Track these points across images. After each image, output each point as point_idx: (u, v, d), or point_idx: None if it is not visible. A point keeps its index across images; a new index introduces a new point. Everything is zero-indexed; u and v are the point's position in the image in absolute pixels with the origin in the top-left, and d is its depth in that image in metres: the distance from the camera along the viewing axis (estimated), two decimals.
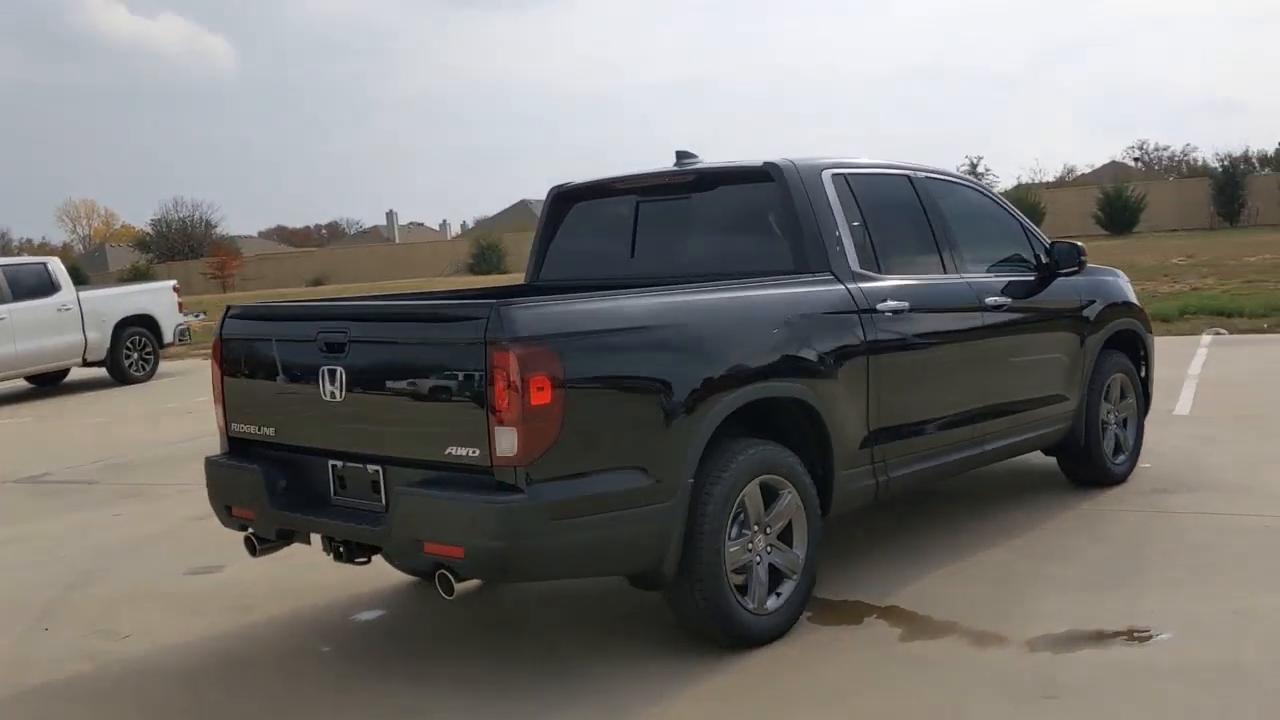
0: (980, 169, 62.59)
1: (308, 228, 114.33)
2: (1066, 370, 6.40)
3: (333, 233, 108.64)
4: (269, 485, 4.66)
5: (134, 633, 5.33)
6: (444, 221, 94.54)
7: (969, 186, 6.40)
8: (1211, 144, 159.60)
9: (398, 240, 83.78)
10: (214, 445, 5.15)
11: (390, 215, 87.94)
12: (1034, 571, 5.40)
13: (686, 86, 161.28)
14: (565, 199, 6.13)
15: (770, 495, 4.65)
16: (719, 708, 4.17)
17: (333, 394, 4.40)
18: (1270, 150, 58.00)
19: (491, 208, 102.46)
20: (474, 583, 4.85)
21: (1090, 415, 6.58)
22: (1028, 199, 51.99)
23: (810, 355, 4.83)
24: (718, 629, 4.50)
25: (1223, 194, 53.43)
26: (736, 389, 4.50)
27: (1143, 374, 7.16)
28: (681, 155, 5.76)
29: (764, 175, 5.28)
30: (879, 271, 5.30)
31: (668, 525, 4.27)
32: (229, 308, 5.08)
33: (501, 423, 3.92)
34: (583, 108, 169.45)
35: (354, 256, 70.95)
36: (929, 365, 5.47)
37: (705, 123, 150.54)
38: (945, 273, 5.76)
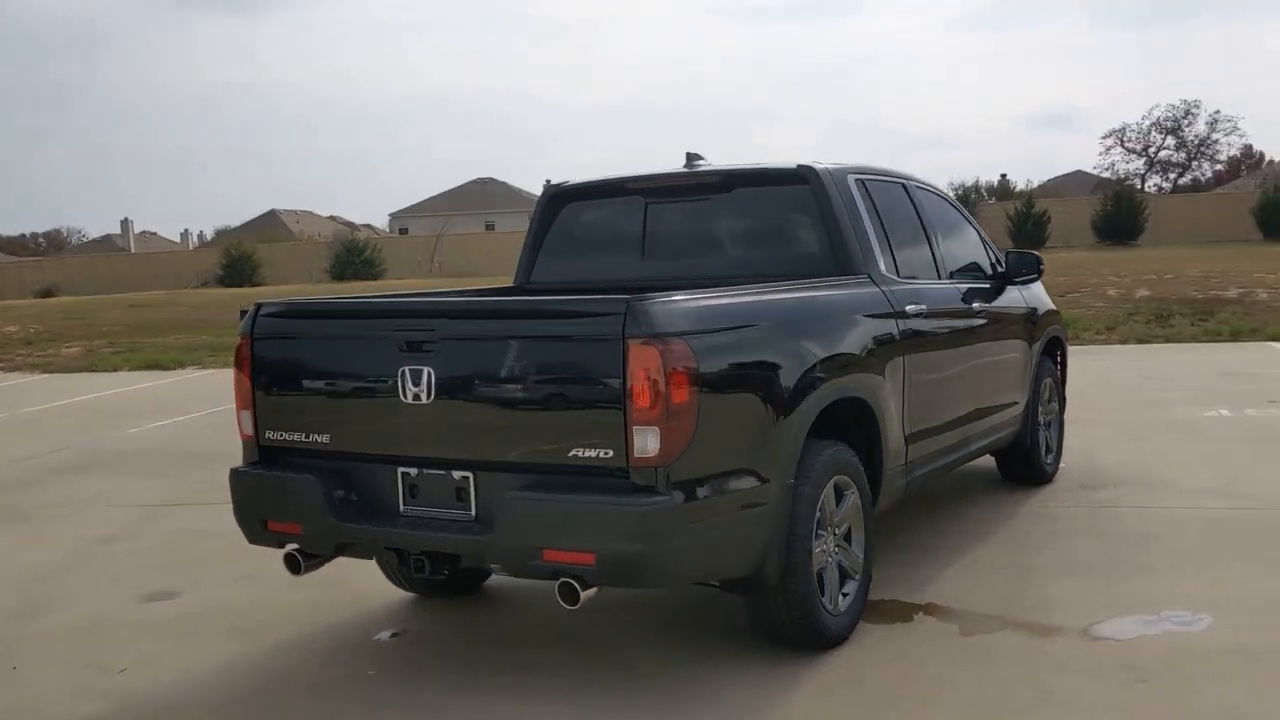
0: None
1: (23, 236, 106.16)
2: (1021, 374, 6.74)
3: (54, 241, 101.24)
4: (328, 496, 4.33)
5: (129, 665, 4.82)
6: (185, 231, 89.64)
7: (938, 194, 6.66)
8: (935, 176, 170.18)
9: (133, 250, 78.87)
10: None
11: (125, 224, 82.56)
12: (1032, 564, 5.66)
13: (431, 100, 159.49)
14: (562, 199, 5.98)
15: (839, 496, 4.68)
16: (827, 706, 4.16)
17: (416, 396, 4.13)
18: (995, 180, 62.66)
19: (234, 218, 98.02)
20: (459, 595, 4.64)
21: (1033, 417, 6.95)
22: None
23: (868, 356, 4.91)
24: (802, 631, 4.49)
25: None
26: (824, 388, 4.52)
27: (1062, 377, 7.63)
28: (691, 157, 5.74)
29: (797, 178, 5.33)
30: (898, 275, 5.43)
31: (776, 527, 4.24)
32: (259, 305, 4.68)
33: (641, 422, 3.79)
34: (334, 116, 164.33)
35: (87, 266, 66.28)
36: (942, 367, 5.65)
37: (448, 137, 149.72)
38: (938, 278, 5.97)
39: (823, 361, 4.54)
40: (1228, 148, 77.29)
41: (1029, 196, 52.43)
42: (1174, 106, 72.87)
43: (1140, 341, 15.45)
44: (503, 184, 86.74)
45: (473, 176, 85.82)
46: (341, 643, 5.03)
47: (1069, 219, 49.46)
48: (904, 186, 5.98)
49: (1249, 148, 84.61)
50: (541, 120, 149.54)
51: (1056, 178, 75.74)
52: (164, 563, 6.38)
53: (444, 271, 59.93)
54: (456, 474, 4.17)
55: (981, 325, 6.20)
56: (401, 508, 4.30)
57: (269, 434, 4.58)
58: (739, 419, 4.14)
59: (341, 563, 4.61)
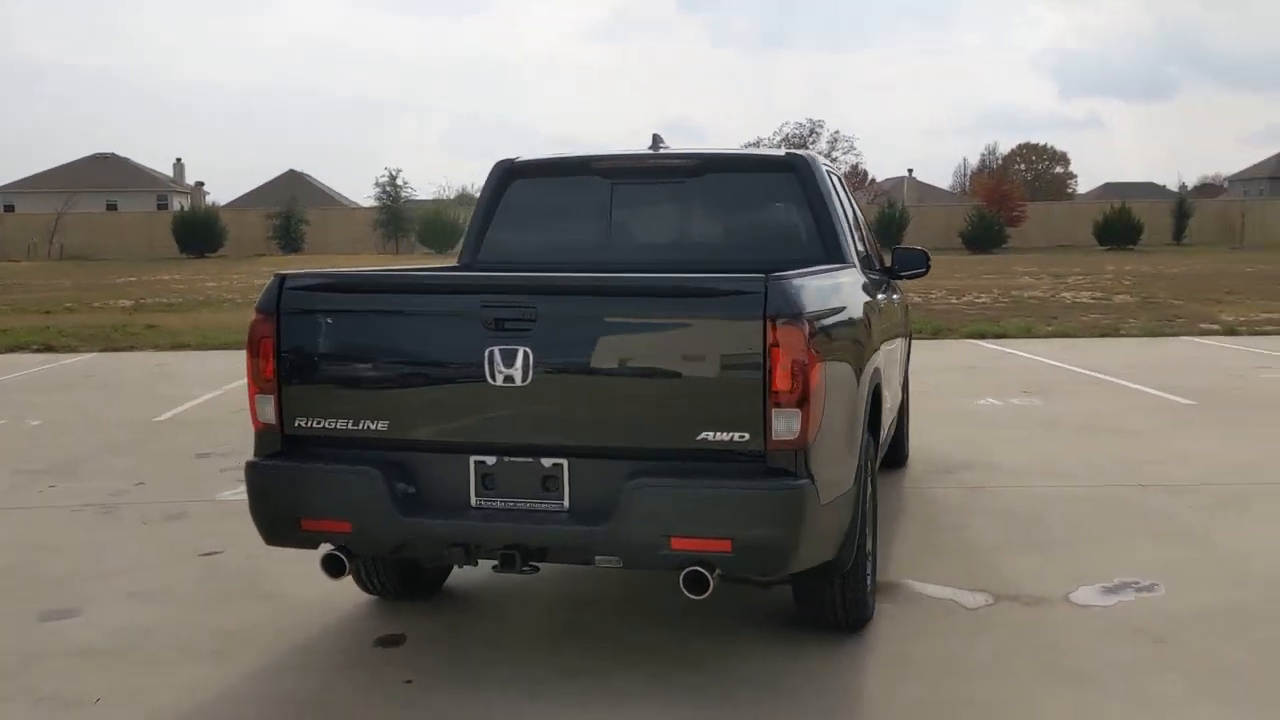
0: (399, 180, 64.10)
1: None
2: (905, 363, 7.09)
3: None
4: (391, 490, 3.90)
5: (101, 694, 4.12)
6: None
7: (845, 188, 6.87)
8: None
9: None
10: None
11: None
12: (969, 543, 5.98)
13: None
14: (514, 175, 5.64)
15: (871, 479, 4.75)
16: (900, 679, 4.21)
17: (508, 379, 3.80)
18: None
19: None
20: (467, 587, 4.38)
21: (907, 404, 7.34)
22: (446, 214, 54.78)
23: (880, 344, 5.01)
24: (852, 611, 4.51)
25: None
26: (872, 374, 4.57)
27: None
28: (657, 139, 5.63)
29: (786, 165, 5.35)
30: (856, 263, 5.56)
31: (855, 510, 4.25)
32: (283, 278, 4.12)
33: (782, 404, 3.68)
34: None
35: None
36: (891, 356, 5.84)
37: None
38: (868, 268, 6.16)
39: (871, 349, 4.61)
40: (841, 166, 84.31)
41: None
42: (801, 125, 78.54)
43: None
44: (126, 160, 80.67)
45: (91, 152, 79.12)
46: (344, 660, 4.53)
47: None
48: (838, 177, 6.14)
49: (855, 167, 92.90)
50: (166, 96, 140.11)
51: None
52: (24, 581, 5.49)
53: (65, 254, 54.76)
54: (547, 462, 3.88)
55: (898, 317, 6.48)
56: (473, 500, 3.94)
57: (299, 422, 4.05)
58: (842, 401, 4.11)
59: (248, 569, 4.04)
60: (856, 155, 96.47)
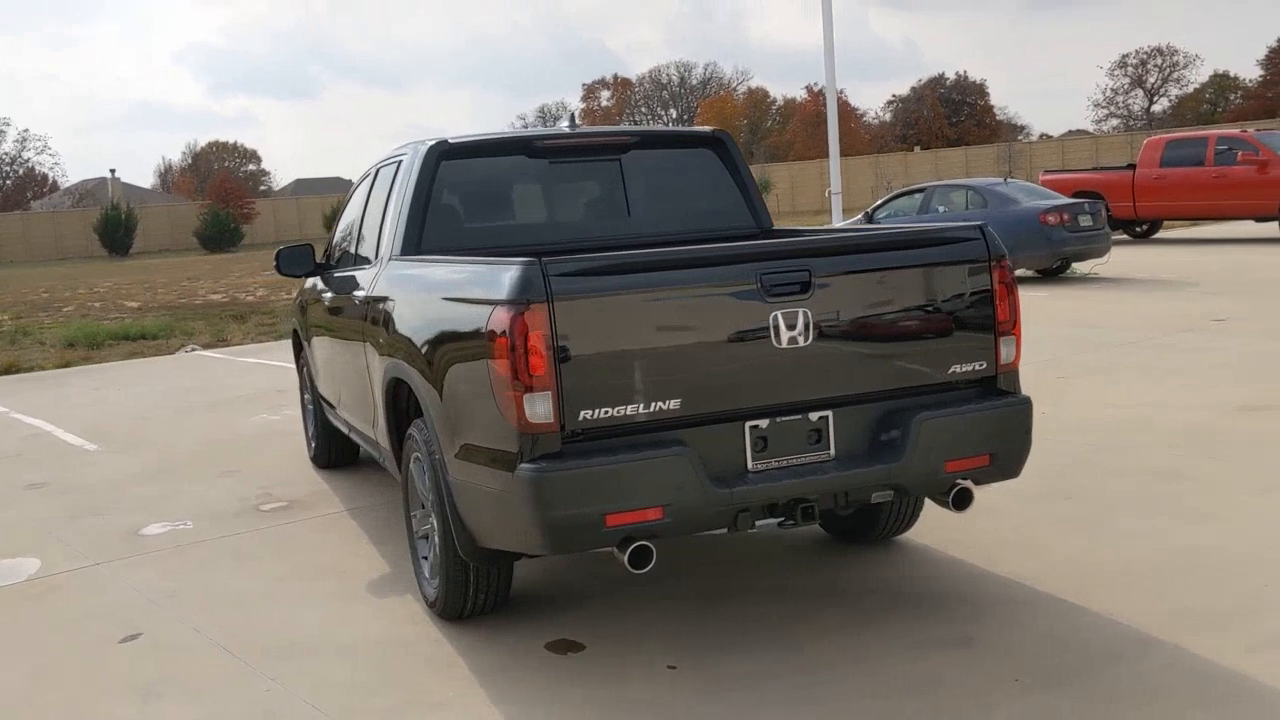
0: None
1: None
2: None
3: None
4: (706, 465, 3.82)
5: None
6: None
7: None
8: None
9: None
10: None
11: None
12: None
13: None
14: (445, 158, 5.27)
15: None
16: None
17: (793, 341, 3.92)
18: None
19: None
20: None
21: None
22: None
23: None
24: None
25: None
26: None
27: None
28: (572, 119, 5.65)
29: (716, 141, 5.72)
30: None
31: None
32: (545, 263, 3.70)
33: (1004, 333, 4.28)
34: None
35: None
36: None
37: None
38: None
39: None
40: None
41: None
42: None
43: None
44: None
45: None
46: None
47: None
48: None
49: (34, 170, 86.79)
50: None
51: None
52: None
53: None
54: (814, 415, 4.06)
55: None
56: (750, 464, 3.98)
57: (585, 415, 3.71)
58: None
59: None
60: (53, 156, 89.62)
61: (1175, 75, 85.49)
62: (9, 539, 6.39)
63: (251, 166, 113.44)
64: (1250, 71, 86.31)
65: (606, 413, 3.76)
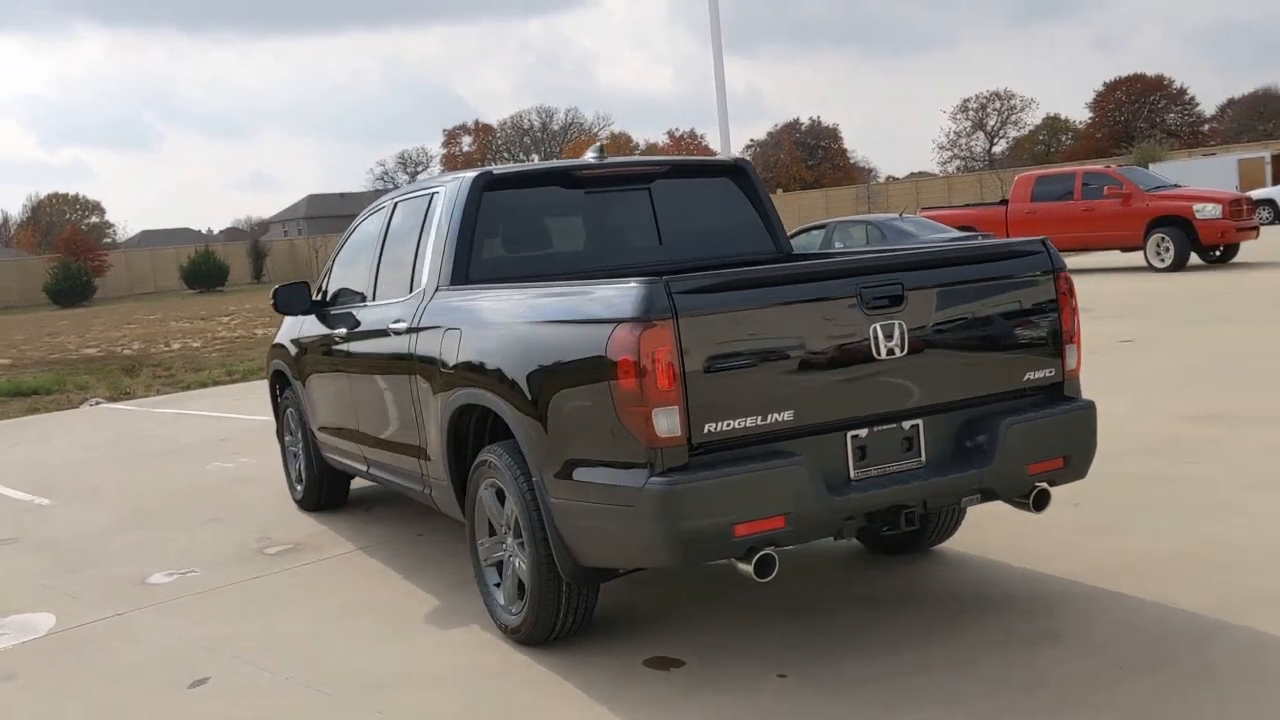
0: None
1: None
2: None
3: None
4: (824, 474, 3.96)
5: None
6: None
7: None
8: None
9: None
10: None
11: None
12: None
13: None
14: (489, 189, 5.32)
15: None
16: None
17: (890, 352, 4.09)
18: None
19: None
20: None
21: None
22: None
23: None
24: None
25: None
26: None
27: None
28: (601, 151, 5.76)
29: (738, 170, 5.90)
30: None
31: None
32: (667, 280, 3.78)
33: (1070, 340, 4.55)
34: None
35: None
36: None
37: None
38: None
39: None
40: None
41: None
42: None
43: None
44: None
45: None
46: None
47: None
48: None
49: None
50: None
51: None
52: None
53: None
54: (906, 424, 4.22)
55: None
56: (851, 473, 4.13)
57: (709, 428, 3.80)
58: None
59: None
60: None
61: (1013, 118, 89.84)
62: (4, 596, 6.10)
63: (94, 219, 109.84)
64: (1080, 114, 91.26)
65: (727, 425, 3.86)
